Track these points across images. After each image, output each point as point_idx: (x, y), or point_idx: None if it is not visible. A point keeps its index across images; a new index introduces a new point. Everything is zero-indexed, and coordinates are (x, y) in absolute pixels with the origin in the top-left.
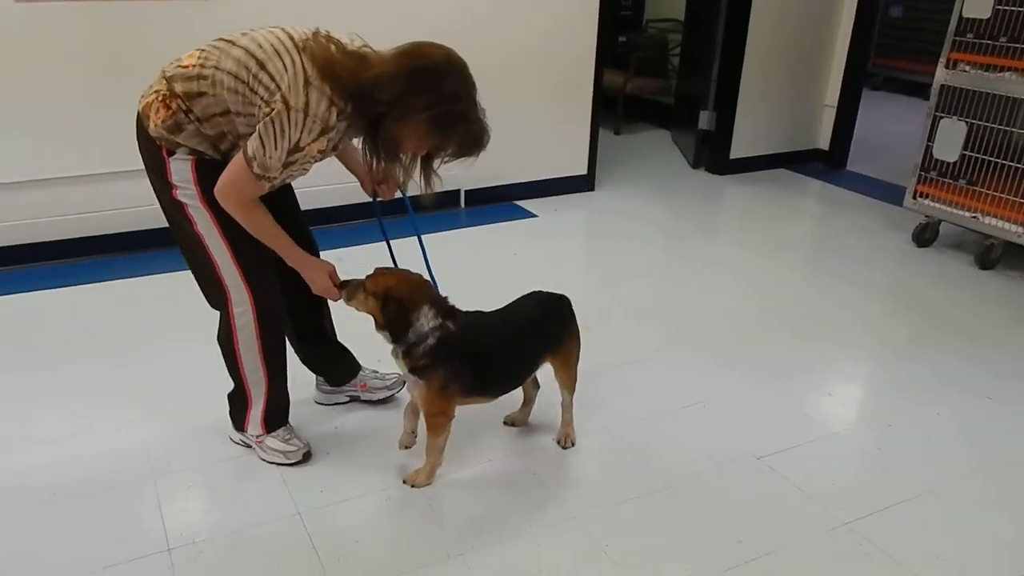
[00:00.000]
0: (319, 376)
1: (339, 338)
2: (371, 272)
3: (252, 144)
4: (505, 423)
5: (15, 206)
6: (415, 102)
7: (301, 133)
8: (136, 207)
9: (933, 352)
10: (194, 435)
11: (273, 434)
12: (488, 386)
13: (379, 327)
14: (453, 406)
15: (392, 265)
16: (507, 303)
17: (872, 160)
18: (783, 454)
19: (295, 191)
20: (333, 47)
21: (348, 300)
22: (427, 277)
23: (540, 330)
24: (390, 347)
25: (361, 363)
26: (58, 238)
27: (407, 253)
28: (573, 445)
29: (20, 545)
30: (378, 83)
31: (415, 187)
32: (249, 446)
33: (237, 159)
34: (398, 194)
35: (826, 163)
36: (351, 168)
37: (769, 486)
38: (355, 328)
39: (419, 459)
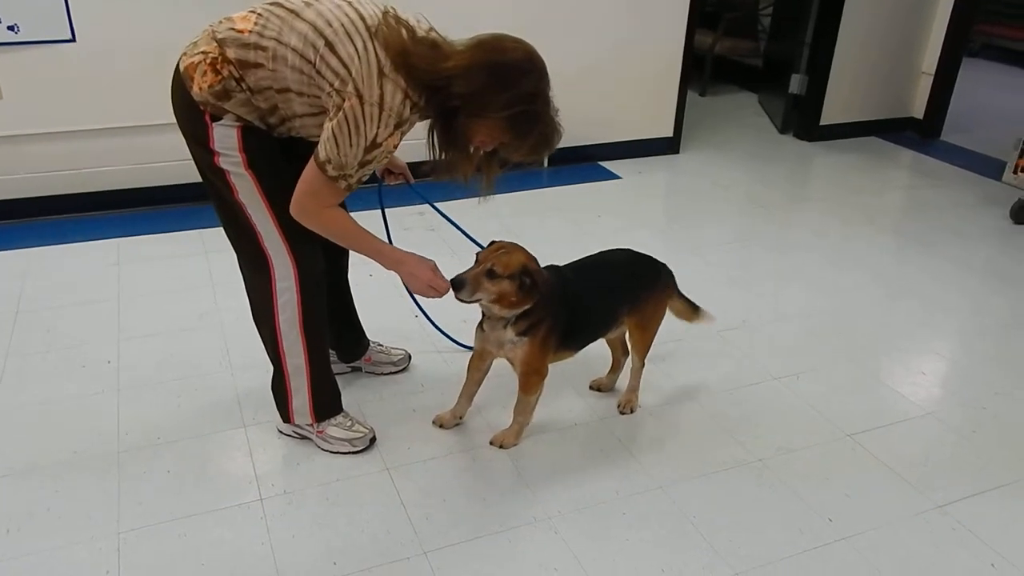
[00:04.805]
0: (332, 351)
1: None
2: (482, 257)
3: (324, 147)
4: (591, 387)
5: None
6: (493, 99)
7: (378, 128)
8: None
9: None
10: None
11: (334, 423)
12: (576, 338)
13: (506, 307)
14: (547, 361)
15: (388, 238)
16: (594, 253)
17: (968, 131)
18: (874, 432)
19: None
20: (404, 31)
21: (472, 294)
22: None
23: (622, 285)
24: (496, 319)
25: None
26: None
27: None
28: (632, 412)
29: (116, 488)
30: (455, 75)
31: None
32: (305, 438)
33: (308, 170)
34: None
35: (920, 132)
36: None
37: (860, 464)
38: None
39: (503, 420)
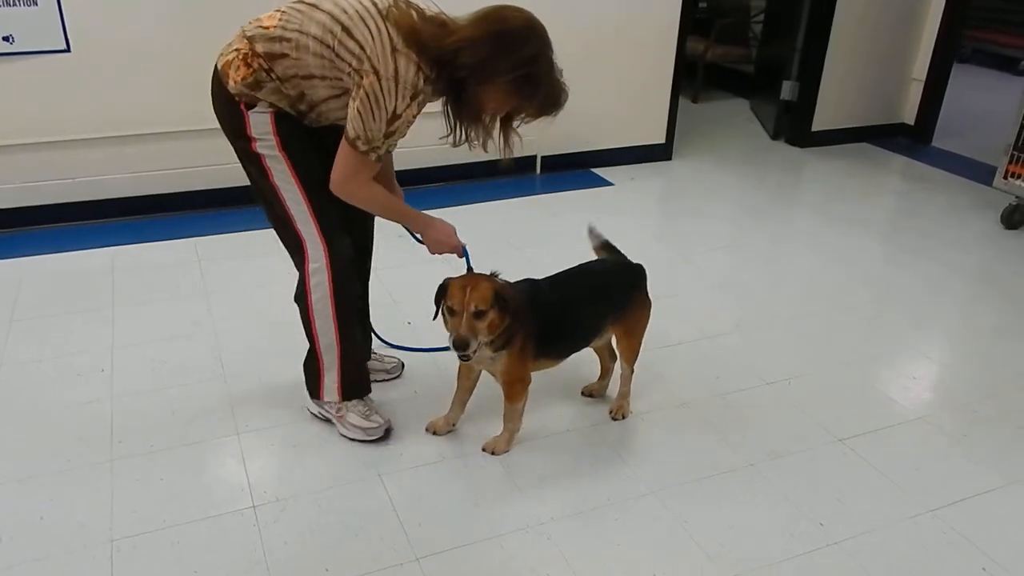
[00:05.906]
0: None
1: None
2: (456, 305)
3: (352, 125)
4: (583, 394)
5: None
6: (497, 66)
7: (396, 100)
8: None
9: (1021, 338)
10: (276, 393)
11: (353, 410)
12: (555, 347)
13: (493, 332)
14: (529, 370)
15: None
16: (574, 265)
17: (959, 136)
18: (865, 437)
19: None
20: (414, 13)
21: (477, 344)
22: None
23: (604, 294)
24: (477, 346)
25: None
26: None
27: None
28: (624, 418)
29: (109, 496)
30: (461, 48)
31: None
32: (328, 421)
33: (341, 150)
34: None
35: (911, 138)
36: None
37: (851, 469)
38: None
39: (495, 427)
